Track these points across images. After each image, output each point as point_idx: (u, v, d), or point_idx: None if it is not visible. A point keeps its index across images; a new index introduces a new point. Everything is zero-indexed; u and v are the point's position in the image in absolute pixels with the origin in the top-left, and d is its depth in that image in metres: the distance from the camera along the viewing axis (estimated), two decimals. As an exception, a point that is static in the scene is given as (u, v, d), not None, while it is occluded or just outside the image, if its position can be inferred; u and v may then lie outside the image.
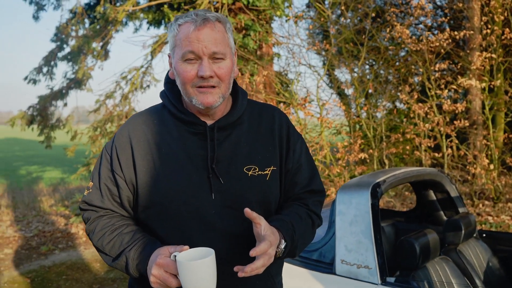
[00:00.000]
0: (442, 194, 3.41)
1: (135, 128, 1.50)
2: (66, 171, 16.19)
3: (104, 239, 1.46)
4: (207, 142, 1.46)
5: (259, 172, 1.50)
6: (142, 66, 8.38)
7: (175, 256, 1.27)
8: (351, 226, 2.50)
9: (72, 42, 8.27)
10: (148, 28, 10.49)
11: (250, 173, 1.48)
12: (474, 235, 3.24)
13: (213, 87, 1.40)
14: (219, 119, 1.49)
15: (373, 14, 7.96)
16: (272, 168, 1.52)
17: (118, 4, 9.02)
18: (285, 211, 1.55)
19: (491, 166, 6.97)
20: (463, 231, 2.96)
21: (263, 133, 1.55)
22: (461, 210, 3.38)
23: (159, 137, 1.48)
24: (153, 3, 9.01)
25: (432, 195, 3.45)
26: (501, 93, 7.90)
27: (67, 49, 8.42)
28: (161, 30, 10.47)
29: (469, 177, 7.70)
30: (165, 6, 8.40)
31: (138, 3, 9.48)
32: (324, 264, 2.58)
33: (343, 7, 7.50)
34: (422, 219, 3.58)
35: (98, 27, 8.24)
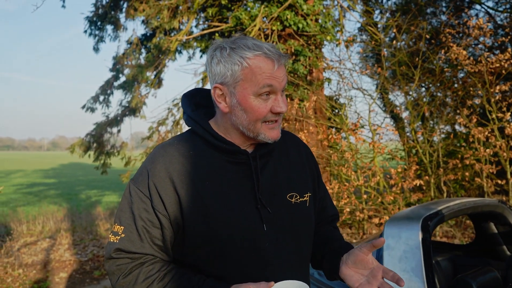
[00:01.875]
0: (504, 227, 3.13)
1: (172, 161, 1.37)
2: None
3: None
4: (252, 171, 1.40)
5: (301, 199, 1.48)
6: (193, 94, 8.55)
7: None
8: (400, 263, 2.32)
9: (127, 72, 8.60)
10: (201, 56, 10.73)
11: (293, 200, 1.46)
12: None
13: (277, 121, 1.40)
14: (256, 147, 1.45)
15: (428, 36, 7.70)
16: (309, 194, 1.51)
17: (172, 34, 9.32)
18: (334, 236, 1.59)
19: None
20: (529, 269, 2.68)
21: (293, 160, 1.54)
22: (526, 245, 3.09)
23: (201, 169, 1.37)
24: (205, 31, 9.24)
25: (493, 227, 3.18)
26: None
27: (123, 78, 8.76)
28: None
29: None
30: (217, 34, 8.58)
31: (191, 33, 9.77)
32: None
33: (395, 30, 7.30)
34: (483, 253, 3.30)
35: (152, 56, 8.53)
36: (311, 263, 1.62)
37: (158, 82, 8.84)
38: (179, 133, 8.37)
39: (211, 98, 1.51)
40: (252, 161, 1.41)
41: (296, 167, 1.53)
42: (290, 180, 1.48)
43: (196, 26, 10.48)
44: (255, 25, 8.02)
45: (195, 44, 10.49)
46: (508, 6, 14.14)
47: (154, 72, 8.60)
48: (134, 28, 29.49)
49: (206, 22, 9.95)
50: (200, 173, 1.37)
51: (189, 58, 11.05)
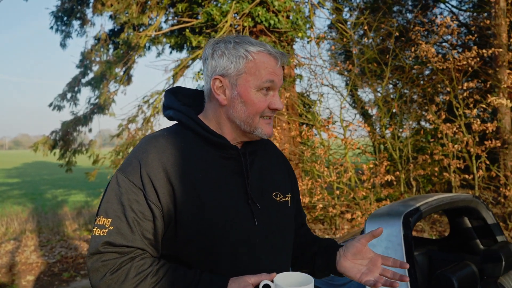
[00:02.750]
0: (477, 221, 3.20)
1: (164, 151, 1.33)
2: (90, 195, 16.31)
3: (145, 285, 1.23)
4: (242, 167, 1.40)
5: (284, 199, 1.49)
6: (164, 90, 8.41)
7: (268, 286, 1.21)
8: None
9: (95, 68, 8.38)
10: (171, 52, 10.57)
11: (278, 199, 1.47)
12: (515, 265, 3.02)
13: (271, 117, 1.42)
14: (245, 144, 1.45)
15: (397, 33, 7.82)
16: (289, 195, 1.52)
17: (141, 29, 9.13)
18: (317, 236, 1.63)
19: (527, 188, 6.64)
20: (503, 262, 2.75)
21: (273, 161, 1.57)
22: (499, 238, 3.16)
23: (193, 162, 1.34)
24: (175, 27, 9.10)
25: (467, 222, 3.25)
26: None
27: (91, 75, 8.54)
28: (183, 54, 10.58)
29: (502, 199, 7.37)
30: (187, 30, 8.46)
31: (160, 28, 9.60)
32: (353, 300, 2.41)
33: (366, 27, 7.38)
34: (457, 248, 3.37)
35: (121, 52, 8.33)
36: (293, 264, 1.62)
37: (127, 79, 8.66)
38: (149, 131, 8.24)
39: (191, 98, 1.52)
40: (243, 157, 1.41)
41: (276, 169, 1.54)
42: (274, 180, 1.49)
43: (165, 22, 10.32)
44: (226, 21, 7.95)
45: (164, 40, 10.33)
46: (471, 5, 14.57)
47: (123, 69, 8.41)
48: (102, 23, 28.77)
49: (176, 18, 9.81)
50: (193, 165, 1.34)
51: (158, 54, 10.89)
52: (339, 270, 1.45)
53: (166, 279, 1.24)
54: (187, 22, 8.82)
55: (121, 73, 8.38)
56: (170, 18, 10.26)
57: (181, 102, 1.48)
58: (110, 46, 9.37)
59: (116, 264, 1.24)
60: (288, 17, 8.39)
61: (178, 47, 10.42)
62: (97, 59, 8.35)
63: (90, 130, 8.80)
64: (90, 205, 12.90)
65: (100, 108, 8.13)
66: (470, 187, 8.66)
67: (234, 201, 1.35)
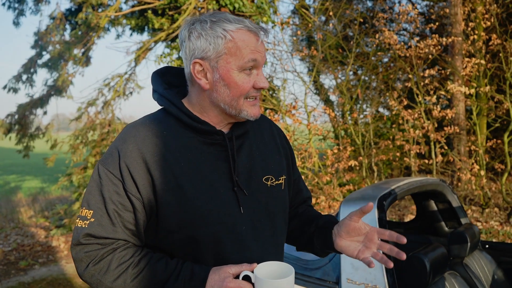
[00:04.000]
0: (443, 205, 3.30)
1: (144, 140, 1.28)
2: (46, 181, 15.76)
3: (127, 276, 1.22)
4: (228, 152, 1.34)
5: (276, 182, 1.44)
6: (126, 73, 8.16)
7: (247, 275, 1.20)
8: (357, 242, 2.36)
9: (52, 49, 8.00)
10: (131, 34, 10.27)
11: (269, 183, 1.42)
12: (478, 246, 3.14)
13: (257, 97, 1.35)
14: (232, 127, 1.39)
15: (361, 20, 7.90)
16: (284, 177, 1.47)
17: (100, 10, 8.78)
18: (316, 214, 1.58)
19: (482, 172, 6.93)
20: (468, 244, 2.85)
21: (268, 143, 1.50)
22: (463, 220, 3.27)
23: (175, 150, 1.29)
24: (136, 8, 8.82)
25: (433, 205, 3.34)
26: (484, 99, 7.91)
27: (47, 56, 8.15)
28: (145, 36, 10.29)
29: (459, 183, 7.67)
30: (149, 11, 8.22)
31: (121, 9, 9.28)
32: (328, 283, 2.43)
33: (331, 12, 7.41)
34: (423, 230, 3.46)
35: (79, 33, 7.99)
36: (296, 245, 1.61)
37: (86, 60, 8.32)
38: (110, 115, 7.99)
39: (181, 77, 1.45)
40: (228, 142, 1.35)
41: (271, 149, 1.49)
42: (266, 163, 1.44)
43: (125, 3, 9.97)
44: (190, 3, 7.77)
45: (124, 21, 10.01)
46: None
47: (82, 50, 8.08)
48: (58, 1, 27.39)
49: (136, -1, 9.51)
50: (175, 154, 1.29)
51: (118, 36, 10.53)
52: (337, 249, 1.42)
53: (147, 270, 1.23)
54: (149, 3, 8.56)
55: (80, 55, 8.04)
56: (130, -2, 9.93)
57: (169, 83, 1.42)
58: (67, 26, 8.97)
59: (98, 255, 1.24)
60: (252, 1, 8.29)
61: (139, 29, 10.11)
62: (52, 39, 7.97)
63: (45, 113, 8.43)
64: (46, 191, 12.46)
65: (58, 90, 7.78)
66: (428, 172, 8.97)
67: (218, 189, 1.30)
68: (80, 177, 7.14)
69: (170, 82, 1.44)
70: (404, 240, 1.27)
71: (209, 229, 1.27)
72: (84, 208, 1.28)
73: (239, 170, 1.35)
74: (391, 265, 1.30)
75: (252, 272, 1.22)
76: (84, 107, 7.78)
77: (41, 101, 7.94)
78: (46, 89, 8.03)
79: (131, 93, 8.38)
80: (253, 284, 1.21)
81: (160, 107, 1.41)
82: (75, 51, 7.83)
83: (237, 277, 1.22)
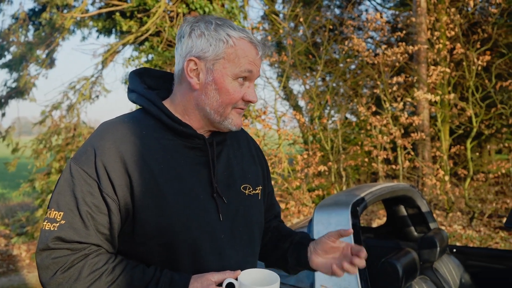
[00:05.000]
0: (413, 210, 3.34)
1: (123, 139, 1.21)
2: (6, 186, 15.19)
3: (100, 284, 1.14)
4: (208, 158, 1.30)
5: (253, 192, 1.42)
6: (92, 76, 7.96)
7: (232, 284, 1.16)
8: (331, 248, 2.35)
9: (13, 49, 7.72)
10: (98, 37, 10.05)
11: (246, 192, 1.39)
12: (446, 251, 3.19)
13: (243, 109, 1.34)
14: (213, 133, 1.35)
15: (331, 27, 8.00)
16: (260, 187, 1.45)
17: (65, 11, 8.56)
18: (289, 230, 1.57)
19: (446, 178, 7.11)
20: (438, 248, 2.89)
21: (245, 153, 1.47)
22: (432, 225, 3.33)
23: (154, 151, 1.23)
24: (103, 10, 8.65)
25: (403, 210, 3.38)
26: (447, 106, 8.14)
27: (9, 57, 7.86)
28: (112, 38, 10.10)
29: (424, 188, 7.84)
30: (117, 14, 8.06)
31: (87, 11, 9.07)
32: (302, 289, 2.41)
33: (301, 19, 7.46)
34: (393, 235, 3.50)
35: (43, 34, 7.75)
36: (266, 261, 1.58)
37: (50, 62, 8.07)
38: (76, 119, 7.77)
39: (158, 80, 1.41)
40: (209, 147, 1.31)
41: (247, 159, 1.46)
42: (243, 172, 1.41)
43: (92, 4, 9.76)
44: (159, 6, 7.68)
45: (91, 23, 9.79)
46: (393, 4, 15.29)
47: (46, 51, 7.84)
48: (21, 1, 26.56)
49: (103, 0, 9.32)
50: (154, 155, 1.23)
51: (84, 38, 10.29)
52: (312, 266, 1.42)
53: (123, 277, 1.15)
54: (117, 5, 8.40)
55: (44, 56, 7.80)
56: (97, 0, 9.73)
57: (146, 85, 1.36)
58: (30, 27, 8.69)
59: (68, 262, 1.14)
60: (223, 5, 8.27)
61: (106, 31, 9.91)
62: (15, 39, 7.70)
63: (3, 115, 8.10)
64: (7, 197, 12.00)
65: (19, 92, 7.51)
66: (393, 177, 9.14)
67: (197, 194, 1.26)
68: (44, 183, 6.90)
69: (148, 84, 1.38)
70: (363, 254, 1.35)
71: (188, 235, 1.22)
72: (52, 209, 1.18)
73: (218, 177, 1.32)
74: (342, 274, 1.37)
75: (236, 279, 1.18)
76: (49, 110, 7.54)
77: (0, 103, 7.65)
78: (6, 90, 7.74)
79: (97, 96, 8.19)
80: None
81: (134, 108, 1.35)
82: (38, 52, 7.58)
83: (219, 285, 1.18)
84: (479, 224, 7.38)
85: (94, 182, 1.17)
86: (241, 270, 1.23)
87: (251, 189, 1.41)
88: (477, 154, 9.40)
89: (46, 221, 1.17)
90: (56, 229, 1.15)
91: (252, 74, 1.28)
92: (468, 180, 7.38)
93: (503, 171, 7.08)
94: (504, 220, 7.33)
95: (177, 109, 1.31)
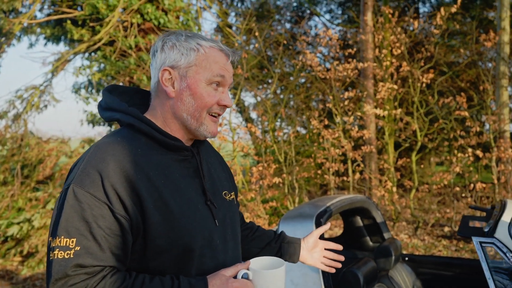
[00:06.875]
0: (368, 220, 3.50)
1: (124, 159, 1.23)
2: None
3: None
4: (197, 168, 1.37)
5: (231, 197, 1.50)
6: (41, 85, 7.70)
7: (246, 274, 1.28)
8: (297, 259, 2.43)
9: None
10: (46, 44, 9.72)
11: (227, 198, 1.47)
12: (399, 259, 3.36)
13: (219, 115, 1.40)
14: (193, 143, 1.42)
15: (284, 42, 8.20)
16: (233, 192, 1.53)
17: (11, 16, 8.25)
18: (272, 232, 1.79)
19: (394, 189, 7.43)
20: (393, 257, 3.05)
21: (214, 160, 1.54)
22: (386, 235, 3.49)
23: (154, 168, 1.27)
24: (53, 17, 8.41)
25: (359, 221, 3.53)
26: (391, 121, 8.54)
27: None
28: (61, 46, 9.84)
29: (373, 199, 8.15)
30: (68, 22, 7.87)
31: (35, 17, 8.79)
32: (269, 300, 2.47)
33: (257, 33, 7.61)
34: (350, 245, 3.64)
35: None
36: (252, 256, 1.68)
37: (-5, 70, 7.75)
38: (23, 128, 7.47)
39: (129, 95, 1.45)
40: (197, 157, 1.38)
41: (219, 167, 1.54)
42: (220, 178, 1.49)
43: (40, 11, 9.47)
44: (113, 16, 7.57)
45: (39, 30, 9.48)
46: (341, 21, 15.88)
47: (-9, 58, 7.52)
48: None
49: (53, 7, 9.07)
50: (154, 171, 1.26)
51: (31, 45, 9.95)
52: (301, 260, 1.73)
53: None
54: (67, 13, 8.21)
55: (-12, 63, 7.46)
56: (45, 7, 9.45)
57: (127, 103, 1.38)
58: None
59: (88, 286, 1.14)
60: (178, 17, 8.28)
61: (54, 38, 9.64)
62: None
63: None
64: None
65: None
66: (343, 188, 9.44)
67: (196, 204, 1.31)
68: (-14, 196, 6.57)
69: (123, 101, 1.41)
70: (340, 247, 1.75)
71: (195, 245, 1.28)
72: (62, 236, 1.15)
73: (207, 184, 1.38)
74: (334, 270, 1.76)
75: (248, 269, 1.29)
76: (-7, 119, 7.22)
77: None
78: None
79: (46, 106, 7.92)
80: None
81: (109, 125, 1.38)
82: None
83: (234, 277, 1.27)
84: (423, 233, 7.77)
85: (104, 205, 1.18)
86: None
87: (229, 195, 1.48)
88: (421, 166, 9.89)
89: (58, 249, 1.15)
90: (72, 256, 1.14)
91: (224, 79, 1.35)
92: (413, 191, 7.75)
93: (445, 182, 7.50)
94: (446, 229, 7.76)
95: (158, 122, 1.35)
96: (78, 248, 1.14)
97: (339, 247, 1.76)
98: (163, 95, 1.34)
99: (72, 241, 1.15)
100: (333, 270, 1.76)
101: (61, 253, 1.14)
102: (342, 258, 1.78)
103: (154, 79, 1.36)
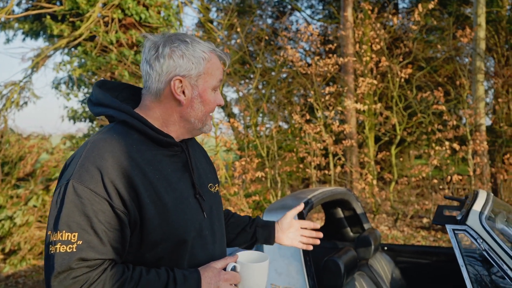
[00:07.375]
0: (349, 212, 3.60)
1: (121, 155, 1.28)
2: None
3: None
4: (187, 162, 1.43)
5: (216, 189, 1.57)
6: (21, 81, 7.61)
7: (234, 266, 1.39)
8: (280, 250, 2.52)
9: None
10: (24, 39, 9.59)
11: (213, 190, 1.53)
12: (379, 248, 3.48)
13: None
14: (183, 139, 1.47)
15: (266, 37, 8.27)
16: (217, 184, 1.60)
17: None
18: (246, 216, 1.88)
19: (374, 182, 7.58)
20: (372, 246, 3.16)
21: (199, 154, 1.60)
22: (365, 226, 3.60)
23: (148, 163, 1.33)
24: (31, 12, 8.31)
25: (340, 213, 3.63)
26: (371, 115, 8.70)
27: None
28: (40, 41, 9.72)
29: (354, 192, 8.30)
30: (48, 17, 7.79)
31: (13, 12, 8.67)
32: (253, 289, 2.55)
33: (239, 29, 7.65)
34: (331, 236, 3.74)
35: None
36: (232, 241, 1.80)
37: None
38: (3, 125, 7.38)
39: (118, 90, 1.49)
40: (186, 152, 1.44)
41: (204, 161, 1.60)
42: (205, 171, 1.55)
43: (17, 5, 9.33)
44: (94, 11, 7.53)
45: (16, 25, 9.35)
46: (322, 16, 15.98)
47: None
48: None
49: (31, 2, 8.95)
50: (149, 167, 1.32)
51: (8, 40, 9.80)
52: (276, 241, 1.83)
53: (142, 282, 1.24)
54: (47, 8, 8.11)
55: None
56: (24, 1, 9.31)
57: (116, 98, 1.43)
58: None
59: (90, 278, 1.19)
60: (159, 12, 8.27)
61: (33, 34, 9.52)
62: None
63: None
64: None
65: None
66: (324, 182, 9.57)
67: (187, 198, 1.38)
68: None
69: (113, 97, 1.45)
70: (318, 226, 1.88)
71: (187, 237, 1.34)
72: (64, 231, 1.19)
73: (196, 178, 1.45)
74: (311, 247, 1.87)
75: (235, 262, 1.40)
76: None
77: None
78: None
79: (26, 103, 7.84)
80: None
81: (100, 120, 1.43)
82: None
83: (223, 269, 1.37)
84: (403, 225, 7.96)
85: (103, 200, 1.22)
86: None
87: (214, 187, 1.55)
88: (400, 159, 10.09)
89: (59, 243, 1.19)
90: (75, 250, 1.18)
91: (221, 82, 1.46)
92: (393, 184, 7.93)
93: (424, 175, 7.69)
94: (424, 220, 7.97)
95: (156, 122, 1.40)
96: (80, 242, 1.19)
97: (317, 226, 1.87)
98: (172, 102, 1.39)
99: (74, 235, 1.19)
100: (310, 247, 1.86)
101: (63, 247, 1.18)
102: (320, 234, 1.87)
103: (157, 84, 1.37)
